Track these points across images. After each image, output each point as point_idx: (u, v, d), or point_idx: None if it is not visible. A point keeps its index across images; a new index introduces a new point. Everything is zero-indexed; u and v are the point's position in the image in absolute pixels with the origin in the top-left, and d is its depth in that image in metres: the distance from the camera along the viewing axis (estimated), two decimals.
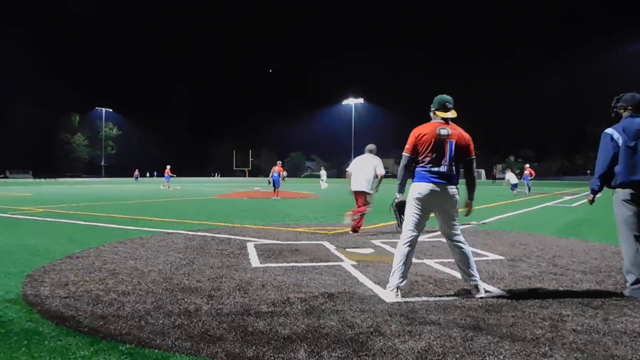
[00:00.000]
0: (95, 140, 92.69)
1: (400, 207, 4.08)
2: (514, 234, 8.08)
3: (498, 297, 3.93)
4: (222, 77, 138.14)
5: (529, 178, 24.54)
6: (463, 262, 3.99)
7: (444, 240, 6.94)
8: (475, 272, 3.98)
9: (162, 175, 32.19)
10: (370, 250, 6.18)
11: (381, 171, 8.13)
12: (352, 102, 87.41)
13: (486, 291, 4.01)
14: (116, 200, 17.66)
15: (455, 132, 3.99)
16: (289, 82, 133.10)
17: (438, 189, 3.89)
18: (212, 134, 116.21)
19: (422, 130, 3.98)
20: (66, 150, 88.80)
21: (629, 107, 4.18)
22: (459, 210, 4.09)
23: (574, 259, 5.66)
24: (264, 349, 2.75)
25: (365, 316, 3.38)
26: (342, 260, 5.45)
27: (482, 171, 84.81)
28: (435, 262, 5.36)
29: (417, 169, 4.01)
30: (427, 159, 3.93)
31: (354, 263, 5.31)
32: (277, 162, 20.28)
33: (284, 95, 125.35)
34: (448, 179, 3.92)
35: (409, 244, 3.94)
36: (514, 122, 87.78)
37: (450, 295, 3.96)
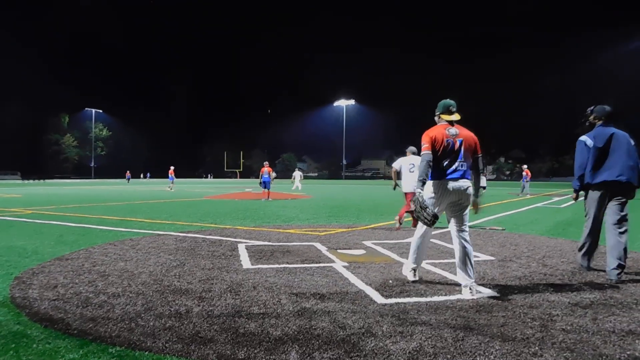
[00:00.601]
0: (85, 141, 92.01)
1: (424, 209, 4.08)
2: (504, 234, 8.13)
3: (489, 297, 3.95)
4: (214, 78, 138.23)
5: (526, 179, 24.55)
6: (463, 259, 4.12)
7: (435, 241, 7.01)
8: (472, 273, 4.10)
9: (166, 177, 32.12)
10: (361, 252, 6.19)
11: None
12: (344, 104, 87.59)
13: (477, 292, 4.05)
14: (106, 201, 17.52)
15: (463, 132, 4.27)
16: (281, 83, 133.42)
17: (453, 184, 4.13)
18: (203, 135, 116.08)
19: (433, 132, 4.24)
20: (55, 151, 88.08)
21: (602, 117, 4.87)
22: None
23: (563, 259, 5.71)
24: (256, 351, 2.74)
25: (356, 317, 3.38)
26: (333, 262, 5.45)
27: None
28: (427, 263, 5.38)
29: (432, 167, 4.20)
30: (441, 158, 4.17)
31: (346, 264, 5.31)
32: (265, 162, 19.65)
33: (276, 97, 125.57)
34: (461, 174, 4.17)
35: (424, 233, 4.39)
36: (504, 123, 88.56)
37: (441, 296, 3.97)
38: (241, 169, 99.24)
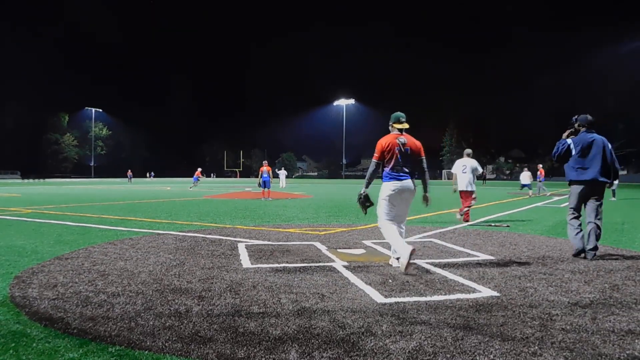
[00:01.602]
0: (85, 141, 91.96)
1: (366, 199, 5.25)
2: (504, 234, 8.13)
3: (488, 296, 3.96)
4: (214, 78, 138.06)
5: (539, 178, 23.92)
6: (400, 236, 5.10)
7: (435, 240, 7.03)
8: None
9: (191, 177, 32.60)
10: (361, 251, 6.19)
11: (480, 170, 10.17)
12: (343, 103, 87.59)
13: (398, 259, 4.91)
14: (106, 200, 17.51)
15: (410, 141, 5.20)
16: (281, 83, 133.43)
17: (403, 184, 5.07)
18: (203, 135, 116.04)
19: (386, 141, 5.13)
20: (55, 151, 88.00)
21: (585, 125, 5.82)
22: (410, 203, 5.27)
23: (563, 259, 5.71)
24: (255, 350, 2.74)
25: (356, 316, 3.38)
26: (333, 261, 5.45)
27: None
28: (426, 263, 5.38)
29: (385, 171, 5.13)
30: (392, 162, 5.07)
31: (345, 264, 5.31)
32: (264, 162, 19.74)
33: (276, 96, 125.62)
34: (409, 175, 5.14)
35: (391, 222, 5.12)
36: (504, 123, 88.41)
37: (441, 295, 3.97)
38: (241, 169, 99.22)
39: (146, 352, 2.71)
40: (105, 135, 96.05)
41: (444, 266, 5.21)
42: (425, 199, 5.29)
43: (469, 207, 9.95)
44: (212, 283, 4.35)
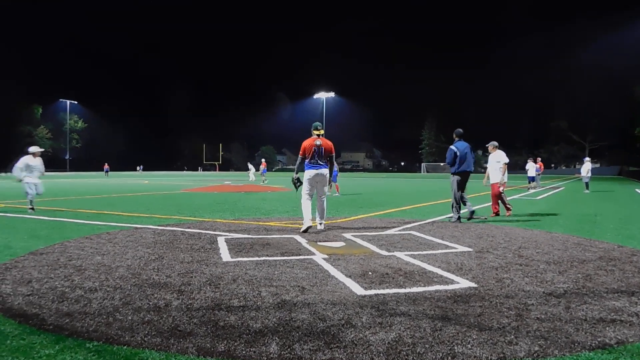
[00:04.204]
0: (59, 134, 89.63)
1: (298, 180, 7.58)
2: (481, 226, 8.26)
3: (466, 287, 4.02)
4: (192, 70, 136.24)
5: (539, 171, 22.67)
6: (320, 210, 7.54)
7: (414, 232, 7.11)
8: (322, 218, 7.54)
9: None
10: (341, 244, 6.22)
11: (505, 160, 10.32)
12: (323, 96, 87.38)
13: (321, 223, 7.46)
14: (81, 194, 17.18)
15: (324, 142, 7.44)
16: (261, 76, 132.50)
17: (318, 172, 7.39)
18: (182, 128, 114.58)
19: (307, 143, 7.40)
20: (28, 143, 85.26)
21: (459, 136, 9.12)
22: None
23: (538, 250, 5.84)
24: (236, 343, 2.74)
25: (336, 309, 3.40)
26: (313, 254, 5.47)
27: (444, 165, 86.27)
28: (405, 255, 5.44)
29: (306, 162, 7.41)
30: (311, 157, 7.37)
31: (325, 256, 5.33)
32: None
33: (256, 89, 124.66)
34: (322, 167, 7.41)
35: (308, 199, 7.48)
36: (480, 116, 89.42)
37: (420, 287, 4.03)
38: (220, 162, 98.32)
39: (125, 347, 2.68)
40: (80, 128, 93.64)
41: (422, 258, 5.27)
42: (329, 183, 7.66)
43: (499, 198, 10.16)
44: (192, 277, 4.32)
